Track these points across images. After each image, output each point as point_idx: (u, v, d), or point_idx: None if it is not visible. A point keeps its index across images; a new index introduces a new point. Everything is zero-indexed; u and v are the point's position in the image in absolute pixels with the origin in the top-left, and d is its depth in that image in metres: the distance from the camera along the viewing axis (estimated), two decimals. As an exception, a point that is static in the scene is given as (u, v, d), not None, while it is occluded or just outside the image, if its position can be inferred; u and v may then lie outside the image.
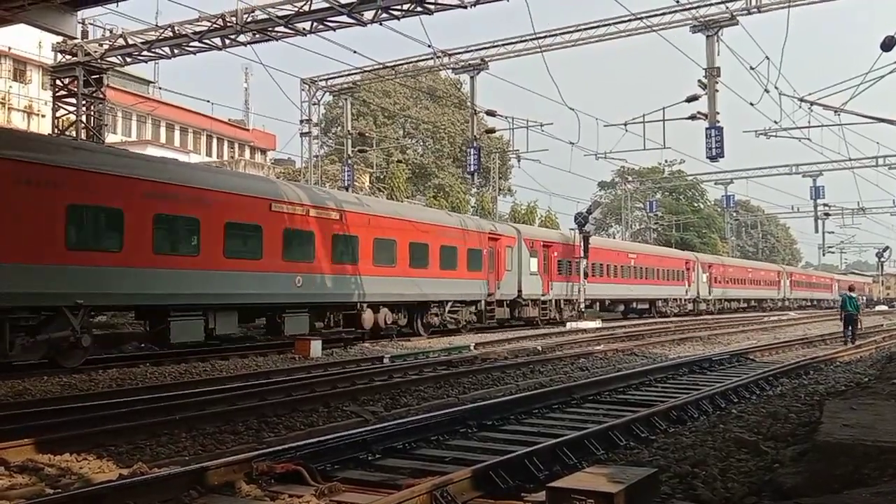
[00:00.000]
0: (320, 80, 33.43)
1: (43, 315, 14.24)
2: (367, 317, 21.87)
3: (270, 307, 19.32)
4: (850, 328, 23.48)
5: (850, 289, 25.93)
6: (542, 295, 31.85)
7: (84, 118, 25.71)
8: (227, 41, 23.59)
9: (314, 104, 34.05)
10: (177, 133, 52.75)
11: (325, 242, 20.33)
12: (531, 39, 26.97)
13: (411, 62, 31.35)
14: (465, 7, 20.90)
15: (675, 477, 6.59)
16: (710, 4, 24.74)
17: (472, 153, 31.09)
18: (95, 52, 25.42)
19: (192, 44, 24.00)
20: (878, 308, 67.29)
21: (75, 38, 24.30)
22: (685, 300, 47.81)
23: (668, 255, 48.59)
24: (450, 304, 25.70)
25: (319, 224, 20.22)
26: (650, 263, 43.35)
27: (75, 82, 25.54)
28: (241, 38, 23.32)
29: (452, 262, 25.61)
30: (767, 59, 23.56)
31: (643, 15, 25.40)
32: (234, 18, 22.58)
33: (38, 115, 40.90)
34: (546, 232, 36.90)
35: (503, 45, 28.88)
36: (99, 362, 16.08)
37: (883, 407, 7.54)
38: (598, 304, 38.47)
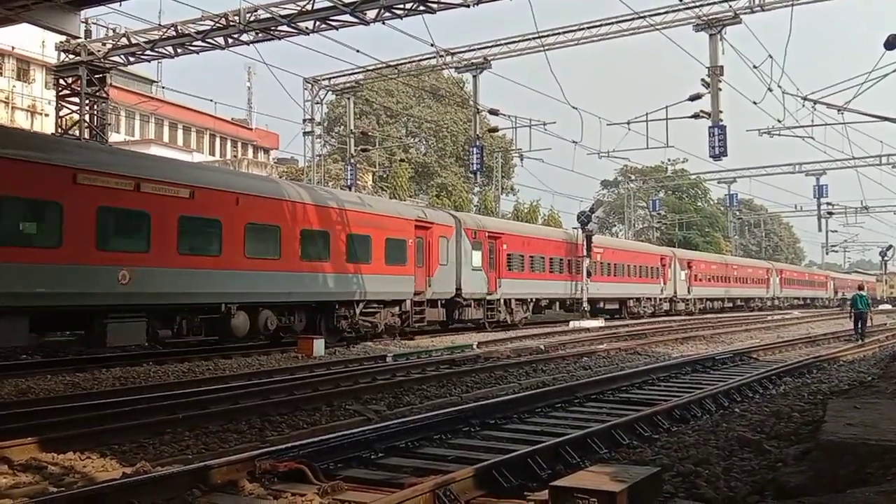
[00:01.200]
0: (323, 80, 33.45)
1: None
2: (240, 321, 17.97)
3: (82, 310, 15.11)
4: (859, 325, 24.18)
5: (860, 288, 26.44)
6: (488, 294, 27.99)
7: (87, 117, 25.73)
8: (230, 40, 23.60)
9: (317, 103, 34.08)
10: (180, 132, 52.80)
11: (166, 227, 16.10)
12: (534, 38, 26.99)
13: (414, 61, 31.36)
14: (468, 6, 20.87)
15: (678, 476, 6.59)
16: (714, 3, 24.69)
17: (474, 152, 31.09)
18: (99, 51, 25.45)
19: (195, 43, 24.00)
20: (881, 307, 67.08)
21: (78, 38, 24.30)
22: (660, 300, 44.21)
23: (641, 251, 44.38)
24: (362, 304, 21.73)
25: (159, 203, 15.97)
26: (619, 259, 39.64)
27: (79, 81, 25.57)
28: (244, 37, 23.32)
29: (364, 253, 21.65)
30: (771, 57, 23.56)
31: (646, 13, 25.37)
32: (236, 17, 22.59)
33: (41, 114, 40.97)
34: (493, 221, 32.47)
35: (506, 43, 28.87)
36: (102, 361, 16.10)
37: (886, 406, 7.53)
38: (556, 304, 34.41)
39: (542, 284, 32.22)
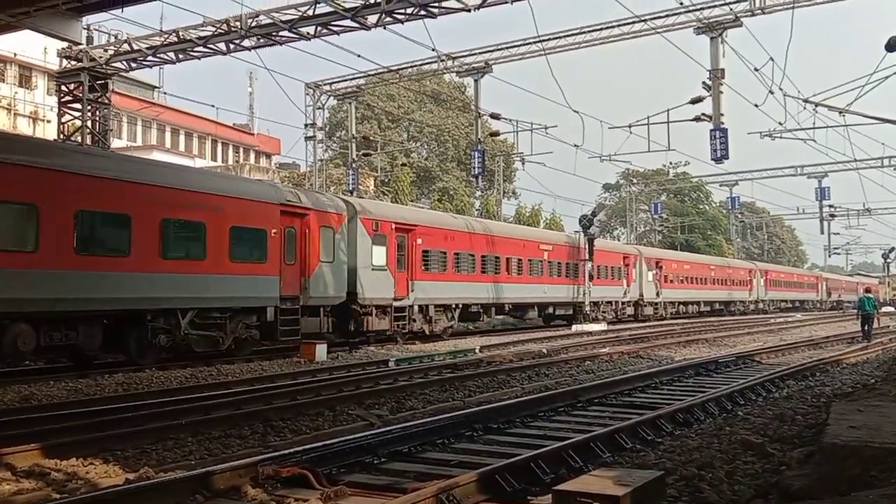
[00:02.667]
0: (325, 85, 33.51)
1: None
2: None
3: None
4: (867, 326, 25.01)
5: (867, 290, 27.18)
6: (396, 298, 22.99)
7: (89, 123, 25.81)
8: (232, 46, 23.67)
9: (319, 108, 34.14)
10: (182, 138, 52.92)
11: None
12: (535, 42, 27.03)
13: (415, 66, 31.44)
14: (469, 10, 20.94)
15: (681, 479, 6.58)
16: (714, 6, 24.74)
17: (476, 156, 31.12)
18: (100, 57, 25.52)
19: (196, 49, 24.08)
20: (884, 309, 66.94)
21: (80, 44, 24.41)
22: (623, 303, 39.67)
23: (599, 248, 38.01)
24: (191, 313, 16.63)
25: None
26: (571, 257, 35.00)
27: (80, 88, 25.64)
28: (246, 42, 23.40)
29: (194, 246, 16.74)
30: (772, 60, 23.56)
31: (647, 17, 25.42)
32: (238, 23, 22.66)
33: (43, 120, 41.06)
34: (402, 211, 26.76)
35: (507, 48, 28.93)
36: (104, 367, 16.10)
37: (890, 408, 7.51)
38: (493, 309, 29.41)
39: (471, 287, 27.00)
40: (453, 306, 26.15)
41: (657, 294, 43.08)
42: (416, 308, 24.09)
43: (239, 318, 17.97)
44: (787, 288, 67.23)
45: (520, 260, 30.55)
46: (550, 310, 33.59)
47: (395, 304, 23.04)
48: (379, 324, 22.44)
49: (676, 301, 46.07)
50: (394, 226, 23.37)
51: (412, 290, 23.81)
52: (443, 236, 25.80)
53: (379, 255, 22.52)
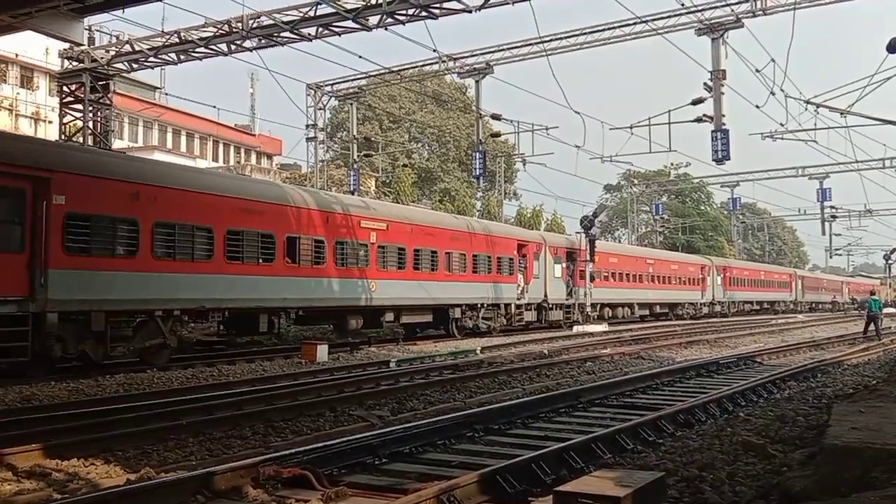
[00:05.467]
0: (326, 86, 33.55)
1: None
2: None
3: None
4: (874, 326, 26.71)
5: (872, 293, 28.16)
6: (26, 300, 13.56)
7: (91, 124, 25.82)
8: (233, 47, 23.68)
9: (320, 109, 34.17)
10: (183, 138, 52.91)
11: None
12: (536, 43, 27.06)
13: (417, 67, 31.52)
14: (470, 11, 20.93)
15: (682, 481, 6.58)
16: (716, 7, 24.75)
17: (477, 157, 31.14)
18: (102, 58, 25.53)
19: (198, 50, 24.09)
20: (886, 311, 66.74)
21: (82, 45, 24.41)
22: (517, 307, 29.60)
23: (480, 232, 28.13)
24: None
25: None
26: (435, 244, 24.91)
27: (82, 88, 25.65)
28: (247, 43, 23.41)
29: None
30: (773, 61, 23.58)
31: (648, 18, 25.44)
32: (239, 24, 22.67)
33: (45, 121, 41.09)
34: (14, 141, 17.18)
35: (508, 49, 28.94)
36: (106, 368, 16.10)
37: (891, 409, 7.50)
38: (268, 315, 18.71)
39: (199, 282, 16.81)
40: (159, 313, 15.98)
41: (569, 294, 33.82)
42: (53, 319, 13.96)
43: None
44: (753, 287, 57.88)
45: (319, 242, 20.18)
46: (391, 316, 23.23)
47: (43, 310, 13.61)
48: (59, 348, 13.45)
49: (598, 303, 35.60)
50: (50, 177, 13.81)
51: (42, 286, 13.76)
52: (127, 195, 15.42)
53: None
